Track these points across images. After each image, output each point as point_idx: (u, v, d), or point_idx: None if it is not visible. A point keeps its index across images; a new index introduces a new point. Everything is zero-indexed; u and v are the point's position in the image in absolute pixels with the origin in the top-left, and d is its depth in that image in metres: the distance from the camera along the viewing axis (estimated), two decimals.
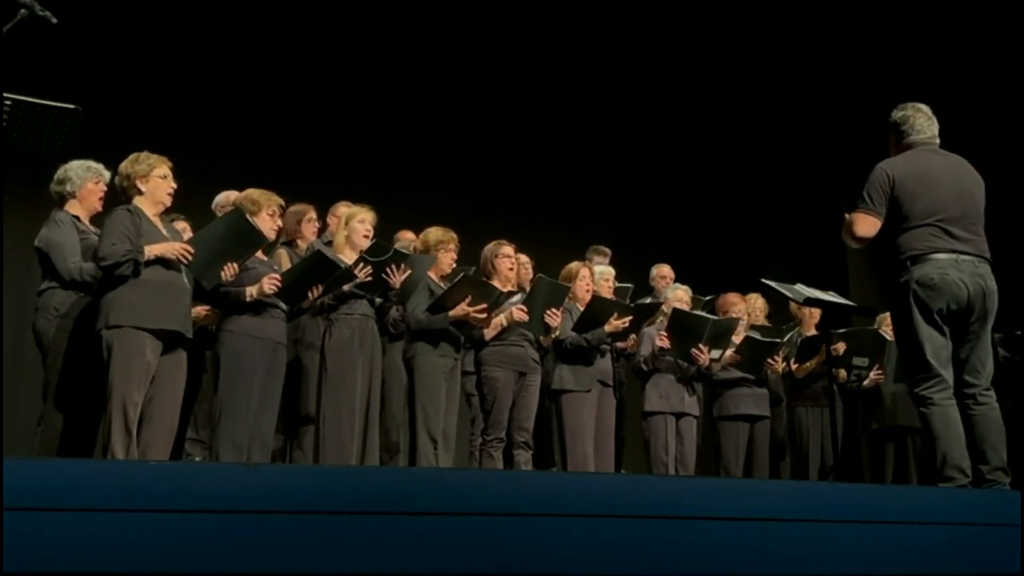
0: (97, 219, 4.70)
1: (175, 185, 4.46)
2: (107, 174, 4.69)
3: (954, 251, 3.84)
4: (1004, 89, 7.52)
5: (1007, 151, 7.37)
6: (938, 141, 4.08)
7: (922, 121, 4.06)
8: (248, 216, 4.57)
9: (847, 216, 4.04)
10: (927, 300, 3.82)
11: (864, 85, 8.27)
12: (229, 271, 4.47)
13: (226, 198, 5.37)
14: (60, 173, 4.64)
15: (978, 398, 3.87)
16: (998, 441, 3.83)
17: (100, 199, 4.72)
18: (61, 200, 4.65)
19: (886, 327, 6.38)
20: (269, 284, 4.58)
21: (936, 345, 3.84)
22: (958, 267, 3.83)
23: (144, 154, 4.44)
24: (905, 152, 4.04)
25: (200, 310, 4.74)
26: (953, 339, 3.89)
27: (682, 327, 5.85)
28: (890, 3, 7.85)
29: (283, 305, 4.77)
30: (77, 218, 4.62)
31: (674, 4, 8.35)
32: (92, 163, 4.69)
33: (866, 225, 3.95)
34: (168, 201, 4.47)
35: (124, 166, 4.41)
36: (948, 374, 3.86)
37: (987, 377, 3.91)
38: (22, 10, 3.35)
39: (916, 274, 3.83)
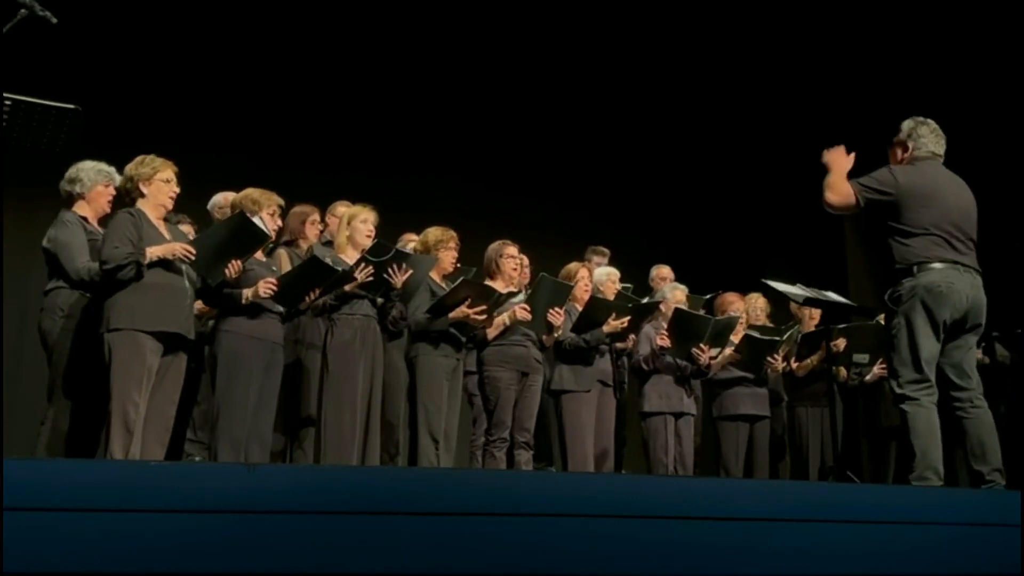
0: (105, 221, 4.70)
1: (178, 190, 4.46)
2: (118, 177, 4.67)
3: (956, 262, 3.94)
4: (1004, 98, 7.53)
5: (1006, 157, 7.39)
6: (943, 158, 4.18)
7: (931, 136, 4.16)
8: (251, 217, 4.57)
9: (835, 180, 4.08)
10: (933, 307, 3.89)
11: (863, 86, 8.28)
12: (234, 268, 4.47)
13: (224, 199, 5.36)
14: (72, 172, 4.63)
15: (974, 402, 3.96)
16: (994, 443, 3.92)
17: (109, 202, 4.69)
18: (69, 199, 4.64)
19: None
20: (264, 288, 4.57)
21: (931, 352, 3.92)
22: (960, 277, 3.93)
23: (150, 157, 4.44)
24: (912, 163, 4.13)
25: (198, 306, 4.74)
26: (943, 345, 3.97)
27: (684, 327, 5.85)
28: (888, 9, 7.86)
29: (279, 307, 4.77)
30: (85, 219, 4.61)
31: (674, 6, 8.35)
32: (104, 165, 4.68)
33: (842, 195, 4.02)
34: (169, 205, 4.47)
35: (129, 168, 4.42)
36: (934, 382, 3.94)
37: (977, 383, 4.00)
38: (22, 10, 3.35)
39: (923, 280, 3.91)
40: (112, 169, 4.69)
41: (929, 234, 3.93)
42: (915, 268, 3.93)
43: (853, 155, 4.14)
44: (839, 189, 4.04)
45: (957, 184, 4.12)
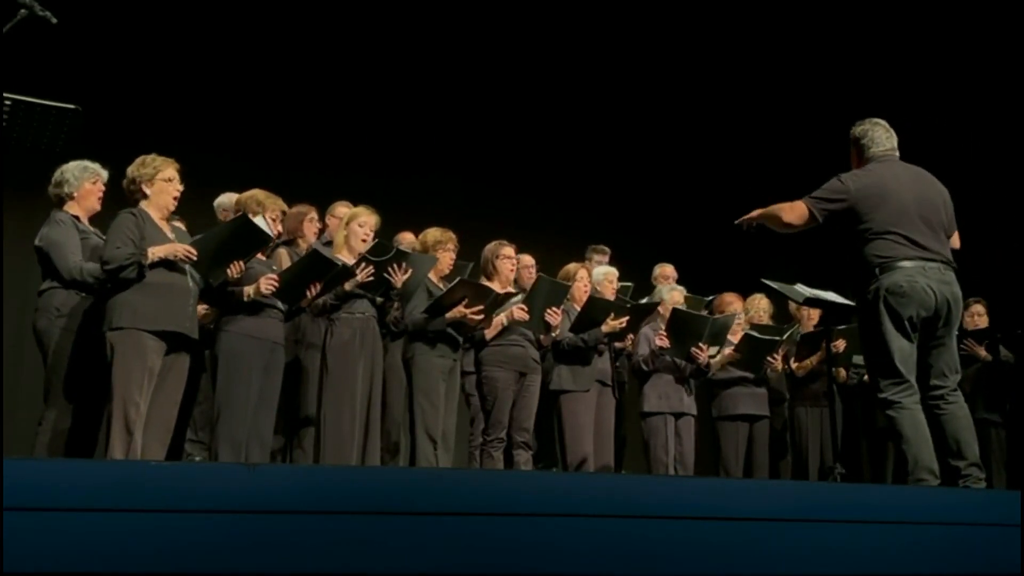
0: (96, 219, 4.70)
1: (181, 188, 4.45)
2: (104, 173, 4.69)
3: (920, 258, 3.90)
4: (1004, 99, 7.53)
5: (1005, 158, 7.39)
6: (897, 153, 4.14)
7: (881, 134, 4.13)
8: (253, 219, 4.58)
9: (780, 207, 4.12)
10: (897, 307, 3.86)
11: (863, 86, 8.28)
12: (235, 269, 4.47)
13: (229, 200, 5.36)
14: (57, 175, 4.63)
15: (947, 397, 3.93)
16: (971, 438, 3.89)
17: (99, 199, 4.71)
18: (60, 202, 4.65)
19: None
20: (266, 285, 4.58)
21: (904, 352, 3.89)
22: (925, 274, 3.89)
23: (150, 157, 4.43)
24: (866, 165, 4.10)
25: (201, 309, 4.74)
26: (919, 345, 3.94)
27: (682, 327, 5.86)
28: (889, 13, 7.87)
29: (281, 305, 4.77)
30: (77, 218, 4.61)
31: (674, 6, 8.35)
32: (88, 163, 4.67)
33: (797, 215, 4.07)
34: (172, 205, 4.46)
35: (130, 170, 4.42)
36: (914, 380, 3.91)
37: (954, 380, 3.97)
38: (22, 10, 3.35)
39: (885, 282, 3.88)
40: (97, 166, 4.69)
41: (889, 234, 3.90)
42: (877, 270, 3.91)
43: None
44: (790, 210, 4.08)
45: (917, 177, 4.06)
